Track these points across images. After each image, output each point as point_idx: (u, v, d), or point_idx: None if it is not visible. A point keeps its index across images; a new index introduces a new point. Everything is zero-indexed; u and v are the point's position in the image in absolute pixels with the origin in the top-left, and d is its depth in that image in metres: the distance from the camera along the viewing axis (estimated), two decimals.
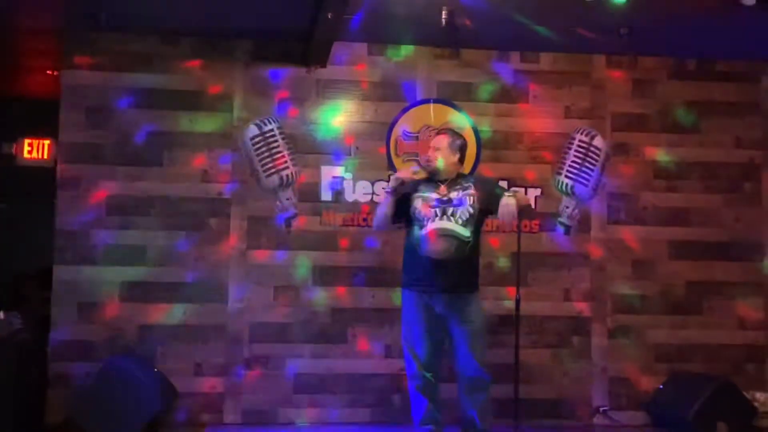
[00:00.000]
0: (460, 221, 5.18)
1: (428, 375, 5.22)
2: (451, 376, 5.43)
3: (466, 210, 5.20)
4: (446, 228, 5.15)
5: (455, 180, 5.33)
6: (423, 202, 5.24)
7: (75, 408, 5.73)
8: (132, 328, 6.23)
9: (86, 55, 6.32)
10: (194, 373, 6.27)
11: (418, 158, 5.44)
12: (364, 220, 6.47)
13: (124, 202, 6.29)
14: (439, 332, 5.25)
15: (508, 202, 5.09)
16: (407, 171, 5.39)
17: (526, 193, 6.54)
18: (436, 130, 5.88)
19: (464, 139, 5.56)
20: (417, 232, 5.22)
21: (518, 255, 5.20)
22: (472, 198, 5.24)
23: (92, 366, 5.90)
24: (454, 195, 5.23)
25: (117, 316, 6.22)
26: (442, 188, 5.26)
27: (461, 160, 5.49)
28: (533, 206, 6.54)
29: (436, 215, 5.19)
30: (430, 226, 5.17)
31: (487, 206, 5.27)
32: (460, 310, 5.20)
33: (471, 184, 5.30)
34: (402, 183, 5.29)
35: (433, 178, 5.34)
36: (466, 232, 5.17)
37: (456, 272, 5.17)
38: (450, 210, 5.19)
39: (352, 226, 6.49)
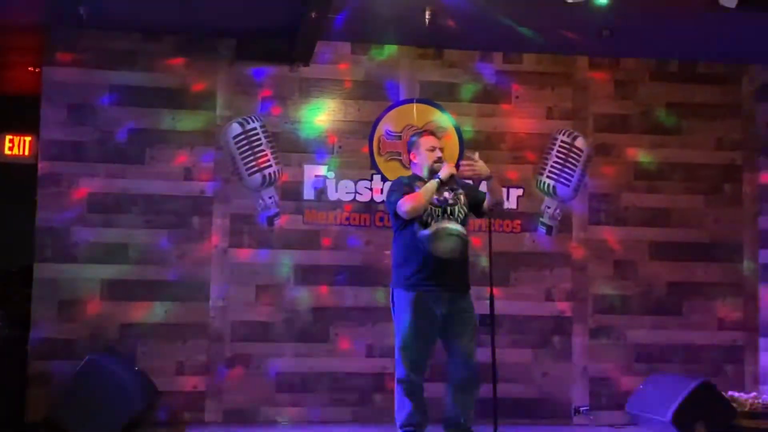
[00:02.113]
0: (459, 220, 5.18)
1: (417, 377, 5.18)
2: (434, 376, 5.44)
3: (461, 209, 5.21)
4: (452, 227, 5.11)
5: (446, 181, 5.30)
6: None
7: (55, 406, 5.69)
8: (113, 327, 6.20)
9: (68, 51, 6.29)
10: (175, 371, 6.25)
11: (435, 162, 5.29)
12: (347, 219, 6.47)
13: (105, 200, 6.26)
14: (433, 334, 5.17)
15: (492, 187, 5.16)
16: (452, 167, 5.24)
17: (508, 192, 6.56)
18: (425, 131, 5.73)
19: None
20: (420, 231, 5.11)
21: (490, 253, 5.20)
22: (462, 197, 5.25)
23: (73, 364, 5.84)
24: (447, 195, 5.21)
25: (98, 315, 6.19)
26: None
27: None
28: (516, 207, 6.63)
29: (440, 215, 5.16)
30: (436, 225, 5.12)
31: (471, 207, 5.29)
32: (461, 309, 5.15)
33: (456, 184, 5.29)
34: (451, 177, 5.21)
35: (430, 178, 5.23)
36: (465, 231, 5.18)
37: (459, 271, 5.16)
38: (449, 209, 5.18)
39: (335, 224, 6.48)
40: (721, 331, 6.82)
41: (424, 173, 5.27)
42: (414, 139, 5.43)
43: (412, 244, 5.13)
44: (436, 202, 5.13)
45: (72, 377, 5.72)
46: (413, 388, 5.14)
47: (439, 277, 5.07)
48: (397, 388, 5.17)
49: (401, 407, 5.16)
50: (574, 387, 6.63)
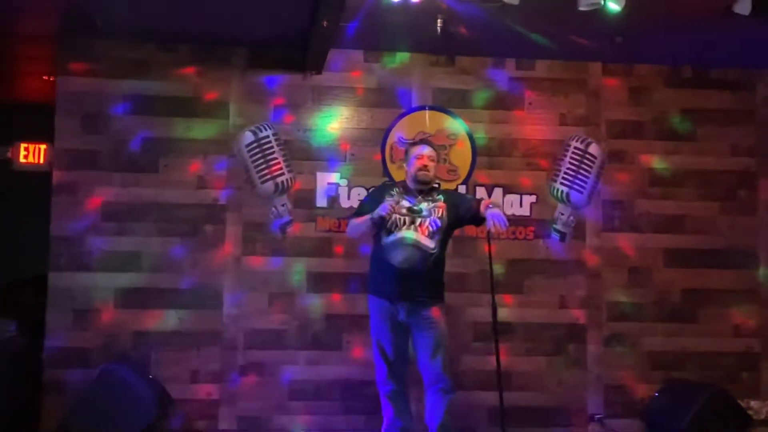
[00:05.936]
0: (426, 232, 5.20)
1: (392, 380, 5.29)
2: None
3: (433, 221, 5.23)
4: (411, 237, 5.19)
5: (429, 192, 5.38)
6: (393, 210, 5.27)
7: (69, 415, 5.71)
8: (127, 335, 6.22)
9: (82, 61, 6.32)
10: (189, 379, 6.26)
11: (411, 165, 5.43)
12: None
13: (119, 209, 6.28)
14: (403, 340, 5.32)
15: (494, 212, 5.08)
16: (392, 205, 5.25)
17: (521, 200, 6.57)
18: (420, 140, 5.88)
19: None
20: (384, 239, 5.25)
21: (490, 262, 5.20)
22: (440, 210, 5.29)
23: (87, 373, 5.88)
24: (424, 206, 5.28)
25: (112, 323, 6.21)
26: (418, 198, 5.32)
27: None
28: (529, 213, 6.64)
29: (404, 224, 5.22)
30: (397, 234, 5.20)
31: (456, 220, 5.33)
32: (421, 318, 5.25)
33: (441, 197, 5.36)
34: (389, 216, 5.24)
35: (412, 188, 5.40)
36: (430, 244, 5.20)
37: (417, 282, 5.21)
38: (418, 220, 5.22)
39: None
40: (737, 338, 6.78)
41: (409, 180, 5.45)
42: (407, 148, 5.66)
43: (378, 252, 5.31)
44: (406, 211, 5.19)
45: (86, 386, 5.74)
46: (390, 392, 5.30)
47: (397, 286, 5.22)
48: (380, 392, 5.38)
49: (385, 412, 5.36)
50: (589, 395, 6.60)
